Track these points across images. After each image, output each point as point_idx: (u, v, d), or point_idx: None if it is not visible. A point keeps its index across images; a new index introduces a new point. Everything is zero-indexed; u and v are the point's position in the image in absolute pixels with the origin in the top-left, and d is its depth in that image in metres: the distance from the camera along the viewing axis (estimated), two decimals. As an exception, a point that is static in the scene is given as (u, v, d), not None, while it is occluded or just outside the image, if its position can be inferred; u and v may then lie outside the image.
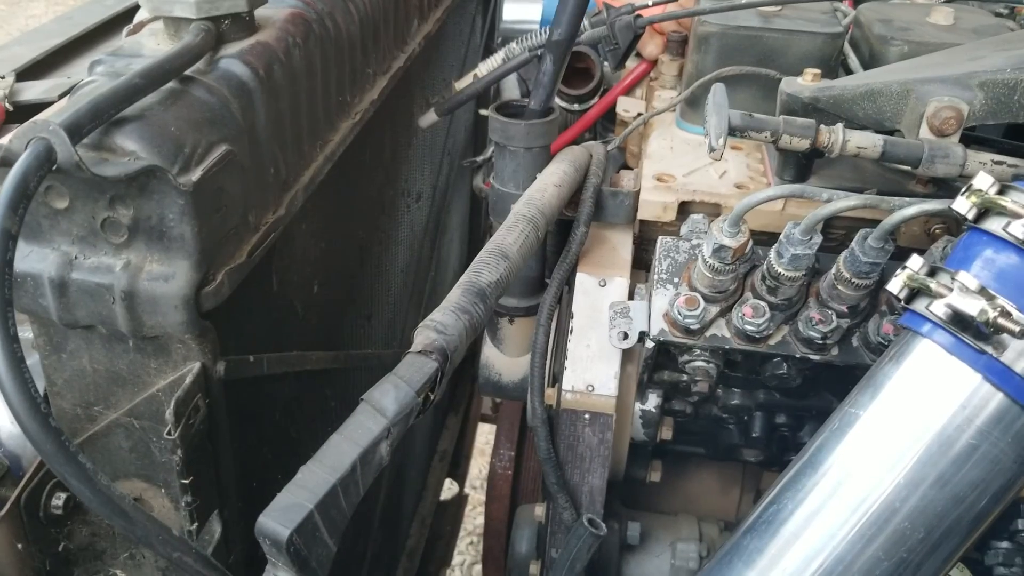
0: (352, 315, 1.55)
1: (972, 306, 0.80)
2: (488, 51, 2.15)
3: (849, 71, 1.51)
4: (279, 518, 0.78)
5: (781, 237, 1.08)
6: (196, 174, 0.87)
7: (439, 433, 2.53)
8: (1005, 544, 1.30)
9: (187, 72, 0.94)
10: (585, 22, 1.55)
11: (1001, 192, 0.83)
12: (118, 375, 0.96)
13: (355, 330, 1.57)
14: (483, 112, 1.44)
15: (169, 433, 0.92)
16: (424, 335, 0.94)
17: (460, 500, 2.64)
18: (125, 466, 0.99)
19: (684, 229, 1.26)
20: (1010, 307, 0.79)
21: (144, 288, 0.89)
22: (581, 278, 1.32)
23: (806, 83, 1.18)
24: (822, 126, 1.09)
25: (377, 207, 1.63)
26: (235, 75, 0.97)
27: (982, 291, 0.81)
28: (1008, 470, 0.82)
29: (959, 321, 0.82)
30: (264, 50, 1.01)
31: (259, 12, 1.04)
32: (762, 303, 1.15)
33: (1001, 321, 0.78)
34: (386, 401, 0.87)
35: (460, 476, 2.73)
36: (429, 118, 1.66)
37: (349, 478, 0.83)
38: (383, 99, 1.37)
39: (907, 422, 0.84)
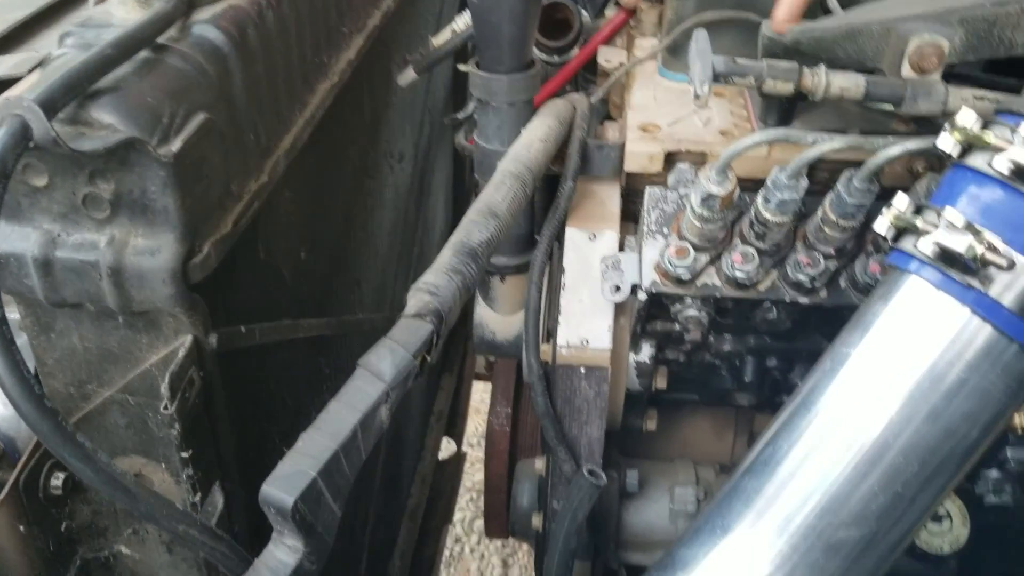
0: (341, 281, 1.55)
1: (959, 242, 0.80)
2: (465, 5, 2.12)
3: (828, 11, 1.50)
4: (283, 486, 0.78)
5: (767, 182, 1.08)
6: (176, 144, 0.86)
7: (435, 394, 2.54)
8: (994, 473, 1.33)
9: (160, 40, 0.92)
10: (561, -28, 1.53)
11: (984, 127, 0.83)
12: (109, 352, 0.96)
13: (345, 296, 1.57)
14: (462, 68, 1.42)
15: (165, 408, 0.92)
16: (417, 298, 0.94)
17: (459, 458, 2.66)
18: (123, 443, 1.00)
19: (671, 179, 1.26)
20: (996, 241, 0.80)
21: (130, 263, 0.89)
22: (571, 233, 1.32)
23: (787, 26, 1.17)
24: (805, 68, 1.09)
25: (360, 169, 1.62)
26: (209, 40, 0.96)
27: (968, 226, 0.81)
28: (998, 401, 0.83)
29: (946, 257, 0.82)
30: (237, 13, 0.99)
31: (230, -25, 1.02)
32: (751, 249, 1.15)
33: (988, 255, 0.79)
34: (383, 365, 0.88)
35: (457, 435, 2.75)
36: (408, 76, 1.64)
37: (351, 443, 0.83)
38: (360, 58, 1.35)
39: (898, 359, 0.85)
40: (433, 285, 0.95)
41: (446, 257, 0.99)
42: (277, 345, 1.19)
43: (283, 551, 0.80)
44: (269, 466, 0.79)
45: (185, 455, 0.95)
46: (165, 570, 1.03)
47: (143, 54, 0.90)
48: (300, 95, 1.16)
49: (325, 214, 1.41)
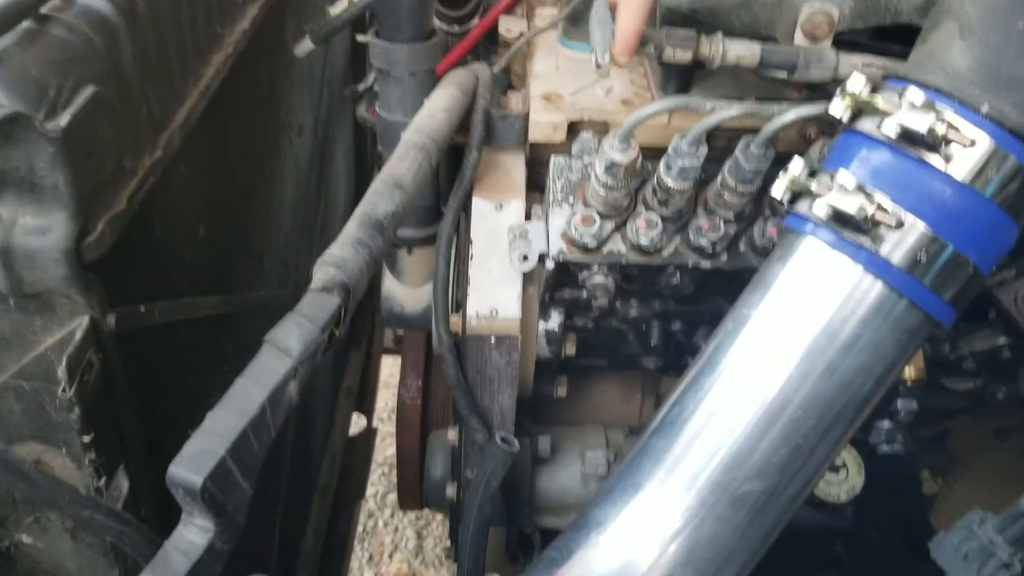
0: (242, 257, 1.51)
1: (851, 203, 0.84)
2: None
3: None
4: (190, 466, 0.77)
5: (669, 150, 1.10)
6: (64, 119, 0.83)
7: (343, 369, 2.52)
8: (886, 423, 1.39)
9: (42, 10, 0.88)
10: (460, -60, 1.52)
11: (873, 93, 0.87)
12: (1, 337, 0.92)
13: (247, 273, 1.53)
14: (361, 38, 1.40)
15: (64, 391, 0.89)
16: (324, 271, 0.93)
17: (369, 434, 2.65)
18: (19, 429, 0.96)
19: (575, 148, 1.27)
20: (886, 201, 0.83)
21: (20, 244, 0.85)
22: (477, 203, 1.32)
23: (683, -6, 1.19)
24: (703, 37, 1.11)
25: (258, 143, 1.58)
26: (95, 10, 0.91)
27: (859, 188, 0.84)
28: (889, 354, 0.87)
29: (839, 218, 0.85)
30: (124, -19, 0.95)
31: (116, -58, 0.98)
32: (654, 216, 1.18)
33: (878, 215, 0.82)
34: (290, 340, 0.86)
35: (367, 410, 2.73)
36: (305, 46, 1.61)
37: (259, 421, 0.82)
38: (255, 28, 1.32)
39: (795, 317, 0.88)
40: (339, 258, 0.94)
41: (351, 229, 0.98)
42: (178, 324, 1.16)
43: (193, 532, 0.78)
44: (175, 447, 0.77)
45: (86, 439, 0.92)
46: (70, 558, 1.00)
47: (25, 25, 0.85)
48: (194, 67, 1.13)
49: (223, 189, 1.37)
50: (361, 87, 1.78)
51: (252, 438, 0.81)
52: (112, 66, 0.92)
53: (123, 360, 0.99)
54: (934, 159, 0.83)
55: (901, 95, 0.84)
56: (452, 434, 1.49)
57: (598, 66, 1.08)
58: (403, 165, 1.09)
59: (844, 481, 1.42)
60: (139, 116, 0.99)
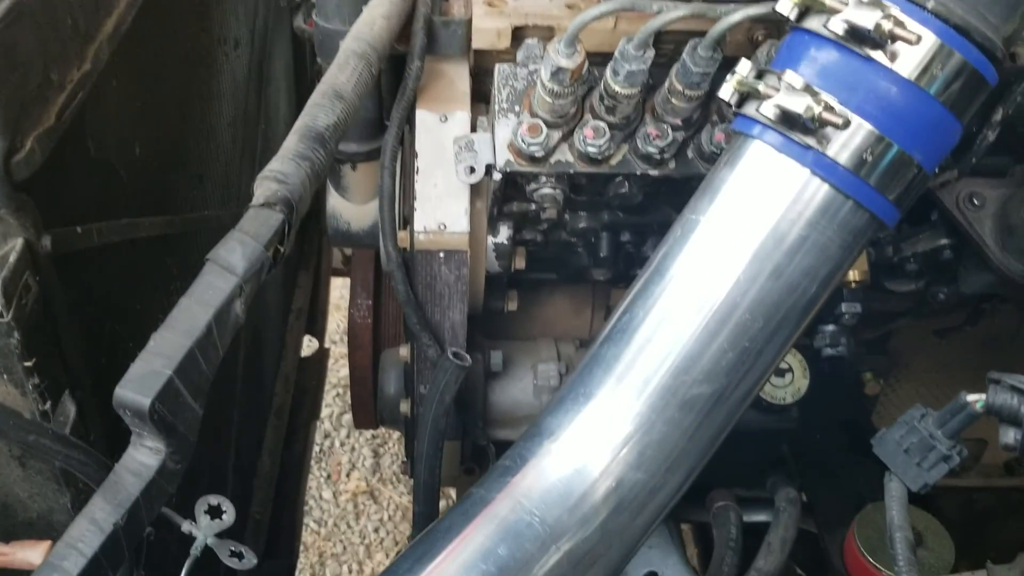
0: (182, 177, 1.47)
1: (798, 103, 0.83)
2: None
3: None
4: (137, 387, 0.75)
5: (616, 54, 1.08)
6: (-19, 29, 0.78)
7: (292, 292, 2.49)
8: (831, 327, 1.42)
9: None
10: None
11: (820, -10, 0.85)
12: (-70, 262, 0.88)
13: (188, 193, 1.49)
14: (295, -55, 1.34)
15: (1, 316, 0.86)
16: (265, 187, 0.91)
17: (322, 355, 2.64)
18: (-44, 357, 0.93)
19: (520, 55, 1.24)
20: (833, 101, 0.83)
21: (-58, 164, 0.81)
22: (421, 115, 1.29)
23: None
24: (648, -64, 1.08)
25: (192, 57, 1.52)
26: (9, -87, 0.86)
27: (807, 88, 0.84)
28: (835, 256, 0.88)
29: (787, 120, 0.85)
30: None
31: None
32: (602, 124, 1.16)
33: (825, 115, 0.82)
34: (234, 258, 0.85)
35: (319, 332, 2.72)
36: (238, -44, 1.54)
37: (206, 340, 0.81)
38: (184, -64, 1.26)
39: (743, 221, 0.88)
40: (280, 173, 0.91)
41: (292, 143, 0.95)
42: (118, 246, 1.13)
43: (144, 453, 0.78)
44: (122, 370, 0.76)
45: (28, 364, 0.90)
46: (19, 485, 0.98)
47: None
48: (120, -26, 1.07)
49: (158, 106, 1.32)
50: (298, -3, 1.72)
51: (199, 358, 0.80)
52: (31, -26, 0.87)
53: (63, 283, 0.96)
54: (880, 57, 0.82)
55: (848, -8, 0.83)
56: (404, 351, 1.49)
57: None
58: (343, 75, 1.06)
59: (790, 384, 1.45)
60: (64, 26, 0.94)
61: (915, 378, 1.84)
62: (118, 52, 1.05)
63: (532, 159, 1.19)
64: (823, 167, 0.85)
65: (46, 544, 0.82)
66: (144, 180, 1.26)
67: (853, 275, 1.33)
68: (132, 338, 1.16)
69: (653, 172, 1.21)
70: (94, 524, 0.73)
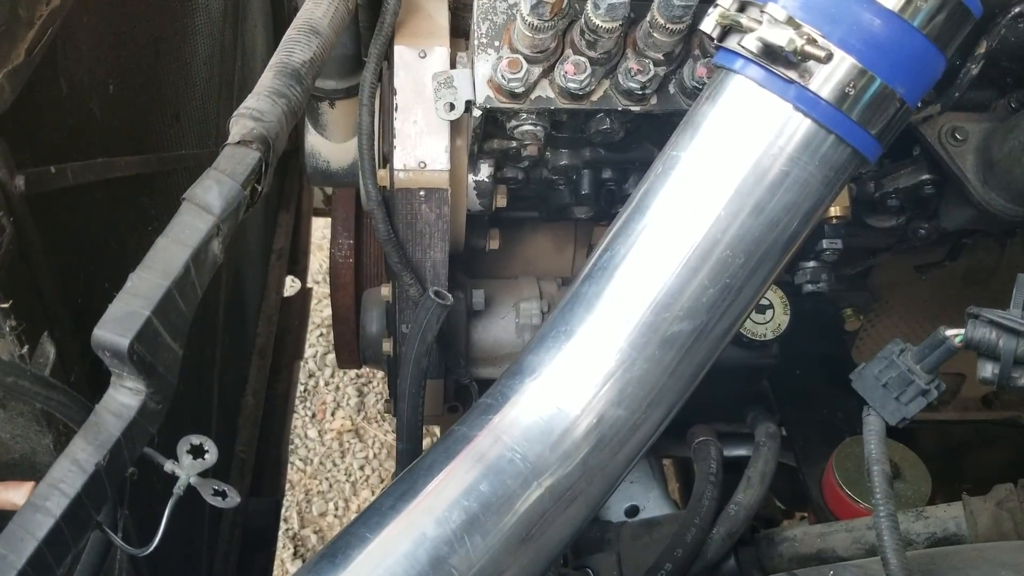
0: (157, 115, 1.45)
1: (780, 36, 0.82)
2: None
3: None
4: (116, 328, 0.75)
5: (597, -13, 1.06)
6: (-59, -39, 0.76)
7: (273, 232, 2.47)
8: (811, 263, 1.43)
9: None
10: None
11: (804, -80, 0.84)
12: (-100, 203, 0.87)
13: (164, 131, 1.47)
14: None
15: (-26, 258, 0.85)
16: (241, 124, 0.89)
17: (304, 294, 2.63)
18: (-69, 299, 0.92)
19: (499, -13, 1.22)
20: (816, 34, 0.82)
21: (-92, 101, 0.79)
22: (399, 51, 1.27)
23: None
24: None
25: (165, -8, 1.48)
26: None
27: (789, 21, 0.83)
28: (816, 192, 0.87)
29: (769, 53, 0.84)
30: None
31: None
32: (583, 59, 1.15)
33: (808, 48, 0.81)
34: (210, 197, 0.83)
35: (301, 272, 2.71)
36: None
37: (184, 280, 0.80)
38: None
39: (725, 156, 0.88)
40: (256, 110, 0.90)
41: (268, 80, 0.94)
42: (94, 185, 1.11)
43: (124, 394, 0.77)
44: (101, 311, 0.75)
45: (4, 306, 0.89)
46: (1, 427, 0.98)
47: None
48: (84, -95, 1.04)
49: (131, 43, 1.29)
50: (272, -71, 1.68)
51: (178, 298, 0.80)
52: (-9, -97, 0.84)
53: (37, 223, 0.95)
54: (864, -12, 0.81)
55: (833, -78, 0.81)
56: (386, 290, 1.49)
57: None
58: (319, 9, 1.04)
59: (770, 320, 1.47)
60: (29, -40, 0.91)
61: (895, 313, 1.86)
62: (87, -14, 1.03)
63: (512, 95, 1.18)
64: (805, 101, 0.84)
65: (29, 485, 0.82)
66: (119, 119, 1.24)
67: (834, 211, 1.33)
68: (110, 278, 1.15)
69: (635, 108, 1.20)
70: (76, 465, 0.73)
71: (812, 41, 0.81)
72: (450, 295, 1.25)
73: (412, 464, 0.91)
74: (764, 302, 1.47)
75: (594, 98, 1.19)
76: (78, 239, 1.10)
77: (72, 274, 1.05)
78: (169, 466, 0.83)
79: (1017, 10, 1.15)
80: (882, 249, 1.56)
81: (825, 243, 1.38)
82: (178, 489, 0.82)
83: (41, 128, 0.98)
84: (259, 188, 0.89)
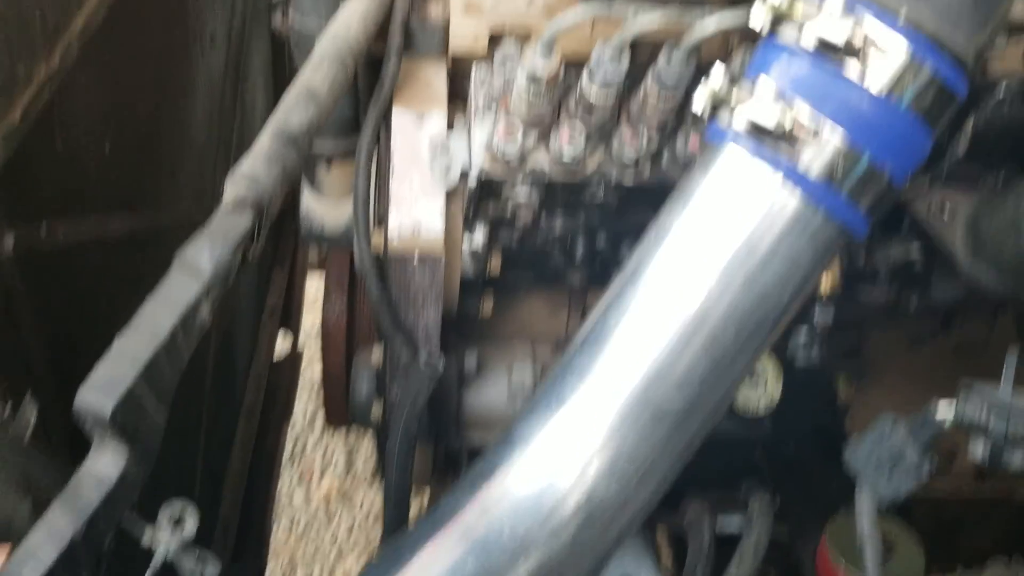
0: (153, 172, 1.46)
1: (770, 113, 0.83)
2: None
3: None
4: (99, 393, 0.74)
5: (592, 59, 1.08)
6: (-58, 24, 0.77)
7: (266, 289, 2.47)
8: (804, 334, 1.43)
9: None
10: None
11: (792, 1, 0.85)
12: None
13: (159, 188, 1.48)
14: (275, -58, 1.33)
15: (-40, 317, 0.84)
16: (235, 187, 0.90)
17: (295, 354, 2.62)
18: (-85, 357, 0.91)
19: (497, 57, 1.24)
20: (805, 112, 0.83)
21: (-98, 160, 0.79)
22: (398, 115, 1.28)
23: None
24: (625, -59, 1.08)
25: (166, 53, 1.50)
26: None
27: (778, 98, 0.83)
28: (806, 265, 0.87)
29: (759, 129, 0.85)
30: None
31: None
32: (577, 128, 1.16)
33: (797, 126, 0.82)
34: (201, 260, 0.83)
35: (293, 329, 2.70)
36: (214, -49, 1.53)
37: (171, 344, 0.79)
38: (159, -69, 1.24)
39: (716, 228, 0.88)
40: (251, 173, 0.90)
41: (264, 143, 0.94)
42: (86, 244, 1.11)
43: (105, 460, 0.76)
44: (87, 371, 0.75)
45: (-12, 366, 0.88)
46: (-22, 490, 0.96)
47: None
48: (90, -30, 1.06)
49: (130, 101, 1.30)
50: (276, -6, 1.70)
51: (164, 362, 0.79)
52: (-4, -33, 0.85)
53: (26, 282, 0.95)
54: (852, 67, 0.82)
55: (819, 5, 0.83)
56: (377, 353, 1.48)
57: None
58: (318, 75, 1.05)
59: (763, 394, 1.46)
60: (32, 22, 0.93)
61: (888, 384, 1.85)
62: (89, 47, 1.04)
63: (508, 162, 1.19)
64: (794, 176, 0.84)
65: (4, 548, 0.80)
66: (114, 176, 1.24)
67: (826, 282, 1.33)
68: (97, 338, 1.14)
69: (628, 177, 1.21)
70: (53, 533, 0.72)
71: (801, 118, 0.82)
72: (442, 361, 1.24)
73: (398, 536, 0.89)
74: (757, 373, 1.46)
75: (589, 167, 1.20)
76: (67, 297, 1.10)
77: (59, 333, 1.04)
78: (147, 539, 0.81)
79: (1003, 88, 1.16)
80: (874, 320, 1.56)
81: (817, 314, 1.38)
82: (155, 564, 0.81)
83: (34, 185, 0.98)
84: (250, 252, 0.89)
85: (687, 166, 1.17)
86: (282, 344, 2.60)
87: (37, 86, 0.93)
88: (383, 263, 1.29)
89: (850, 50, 0.81)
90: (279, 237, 2.53)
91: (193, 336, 0.82)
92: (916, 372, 1.80)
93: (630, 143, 1.16)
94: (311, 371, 3.48)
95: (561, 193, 1.30)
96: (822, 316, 1.37)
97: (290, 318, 2.61)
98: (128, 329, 0.78)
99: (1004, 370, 0.84)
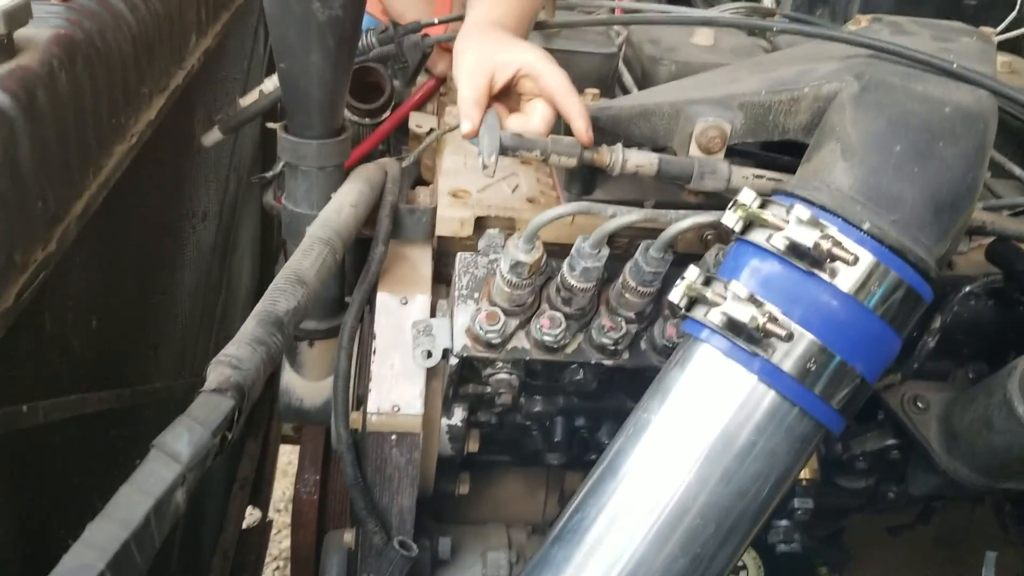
0: (137, 347, 1.46)
1: (743, 313, 0.86)
2: (273, 64, 2.09)
3: (625, 89, 1.59)
4: (65, 583, 0.72)
5: (572, 251, 1.12)
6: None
7: (238, 460, 2.43)
8: (784, 522, 1.41)
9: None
10: (372, 39, 1.54)
11: (763, 206, 0.90)
12: None
13: (141, 363, 1.48)
14: (271, 125, 1.40)
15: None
16: (218, 371, 0.90)
17: (264, 527, 2.54)
18: None
19: (481, 244, 1.28)
20: (777, 312, 0.86)
21: None
22: (382, 297, 1.32)
23: (586, 103, 1.23)
24: (604, 146, 1.14)
25: (159, 231, 1.54)
26: (-8, 104, 0.89)
27: (752, 299, 0.87)
28: (784, 462, 0.89)
29: (733, 327, 0.88)
30: (25, 75, 0.93)
31: (20, 34, 0.96)
32: (558, 314, 1.19)
33: (769, 326, 0.85)
34: (179, 445, 0.83)
35: (263, 502, 2.63)
36: (213, 136, 1.60)
37: (143, 531, 0.78)
38: (161, 119, 1.30)
39: (693, 424, 0.90)
40: (235, 358, 0.91)
41: (250, 327, 0.96)
42: (64, 422, 1.11)
43: (68, 654, 0.73)
44: (55, 558, 0.73)
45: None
46: None
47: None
48: (95, 158, 1.10)
49: (120, 279, 1.33)
50: (269, 175, 1.77)
51: (135, 550, 0.77)
52: (7, 159, 0.89)
53: (1, 463, 0.93)
54: (821, 272, 0.86)
55: (789, 210, 0.88)
56: (348, 536, 1.45)
57: (484, 167, 1.10)
58: (307, 260, 1.08)
59: (744, 584, 1.43)
60: (33, 210, 0.96)
61: (870, 572, 1.82)
62: (85, 230, 1.07)
63: (489, 345, 1.21)
64: (769, 374, 0.87)
65: None
66: (97, 352, 1.25)
67: (804, 472, 1.34)
68: (68, 521, 1.12)
69: (607, 362, 1.23)
70: None
71: (773, 319, 0.85)
72: (415, 546, 1.22)
73: None
74: (739, 563, 1.44)
75: (568, 351, 1.23)
76: (42, 478, 1.08)
77: (30, 516, 1.02)
78: None
79: (968, 289, 1.22)
80: (853, 509, 1.55)
81: (797, 502, 1.38)
82: None
83: (19, 366, 0.98)
84: (229, 436, 0.89)
85: (666, 353, 1.20)
86: (250, 517, 2.53)
87: (32, 270, 0.95)
88: (360, 443, 1.29)
89: (818, 256, 0.85)
90: (254, 408, 2.51)
91: (167, 522, 0.81)
92: (895, 562, 1.77)
93: (609, 329, 1.19)
94: (278, 544, 3.37)
95: (541, 374, 1.32)
96: (802, 503, 1.37)
97: (261, 491, 2.55)
98: (101, 516, 0.76)
99: (983, 571, 0.84)
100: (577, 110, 1.14)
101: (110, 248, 1.25)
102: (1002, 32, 1.83)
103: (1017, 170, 1.48)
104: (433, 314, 1.32)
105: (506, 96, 1.20)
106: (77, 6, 1.09)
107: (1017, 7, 1.89)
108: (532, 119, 1.17)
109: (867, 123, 0.95)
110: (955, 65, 1.00)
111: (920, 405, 1.25)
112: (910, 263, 0.87)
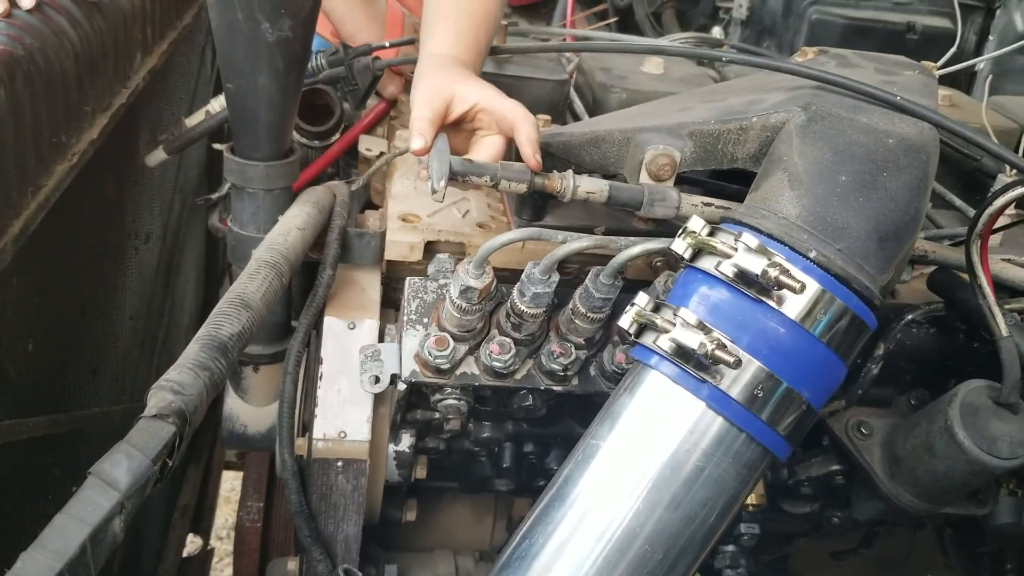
0: (74, 371, 1.42)
1: (692, 339, 0.87)
2: (220, 84, 2.06)
3: (576, 116, 1.60)
4: (-6, 616, 0.69)
5: (523, 277, 1.12)
6: None
7: (179, 487, 2.37)
8: (731, 547, 1.42)
9: None
10: (322, 61, 1.53)
11: (711, 234, 0.91)
12: None
13: (79, 387, 1.44)
14: (217, 147, 1.38)
15: None
16: (159, 396, 0.88)
17: (205, 555, 2.48)
18: None
19: (431, 269, 1.28)
20: (725, 339, 0.87)
21: None
22: (329, 322, 1.30)
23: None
24: (555, 172, 1.15)
25: (100, 252, 1.51)
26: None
27: (700, 325, 0.88)
28: (731, 487, 0.89)
29: (682, 353, 0.88)
30: (-40, 92, 0.90)
31: (-46, 49, 0.93)
32: (508, 340, 1.19)
33: (717, 353, 0.86)
34: (118, 473, 0.81)
35: (204, 529, 2.57)
36: (157, 156, 1.57)
37: (78, 561, 0.75)
38: (104, 138, 1.28)
39: (641, 450, 0.90)
40: (177, 383, 0.89)
41: (193, 352, 0.94)
42: (-5, 448, 1.07)
43: None
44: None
45: None
46: None
47: None
48: (33, 178, 1.07)
49: (58, 301, 1.29)
50: (215, 196, 1.75)
51: (69, 581, 0.75)
52: (-63, 177, 0.87)
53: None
54: (768, 300, 0.87)
55: (737, 238, 0.89)
56: (292, 565, 1.42)
57: (433, 191, 1.10)
58: (252, 284, 1.06)
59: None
60: (-33, 229, 0.93)
61: (815, 597, 1.83)
62: (22, 251, 1.04)
63: (438, 371, 1.20)
64: (717, 400, 0.87)
65: None
66: (33, 377, 1.21)
67: (751, 498, 1.35)
68: (1, 550, 1.08)
69: (556, 388, 1.23)
70: None
71: (722, 346, 0.86)
72: (360, 574, 1.20)
73: None
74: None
75: (518, 376, 1.22)
76: (-31, 505, 1.04)
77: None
78: None
79: (910, 317, 1.24)
80: (799, 534, 1.56)
81: (743, 528, 1.39)
82: None
83: (-52, 389, 0.95)
84: (169, 463, 0.86)
85: (615, 379, 1.20)
86: (191, 545, 2.47)
87: (-34, 290, 0.92)
88: (305, 469, 1.27)
89: (766, 283, 0.86)
90: (197, 433, 2.46)
91: (103, 552, 0.78)
92: (842, 586, 1.79)
93: (558, 355, 1.19)
94: (220, 573, 3.29)
95: (490, 400, 1.31)
96: (748, 528, 1.38)
97: (202, 518, 2.49)
98: (35, 545, 0.74)
99: (926, 596, 0.85)
100: (527, 135, 1.15)
101: (48, 270, 1.22)
102: (943, 66, 1.89)
103: (957, 201, 1.52)
104: (381, 339, 1.31)
105: (457, 131, 1.21)
106: (18, 22, 1.06)
107: (956, 42, 1.95)
108: (480, 155, 1.18)
109: (813, 153, 0.97)
110: (899, 98, 1.02)
111: (864, 431, 1.27)
112: (855, 291, 0.88)
